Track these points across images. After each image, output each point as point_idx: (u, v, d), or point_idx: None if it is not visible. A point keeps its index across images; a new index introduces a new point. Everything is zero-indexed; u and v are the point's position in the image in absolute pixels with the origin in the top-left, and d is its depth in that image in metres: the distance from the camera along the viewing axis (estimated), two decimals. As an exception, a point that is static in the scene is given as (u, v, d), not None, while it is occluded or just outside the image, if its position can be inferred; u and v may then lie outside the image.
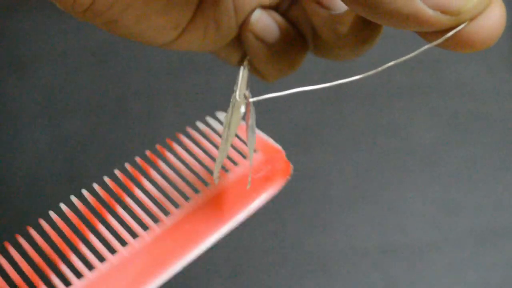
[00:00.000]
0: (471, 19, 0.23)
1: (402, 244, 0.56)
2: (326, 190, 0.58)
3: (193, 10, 0.27)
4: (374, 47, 0.28)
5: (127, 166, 0.29)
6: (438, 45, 0.24)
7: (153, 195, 0.28)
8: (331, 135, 0.59)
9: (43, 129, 0.60)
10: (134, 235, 0.27)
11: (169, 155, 0.29)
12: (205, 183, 0.28)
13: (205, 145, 0.29)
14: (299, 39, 0.29)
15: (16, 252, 0.27)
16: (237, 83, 0.27)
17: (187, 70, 0.62)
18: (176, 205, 0.28)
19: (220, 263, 0.56)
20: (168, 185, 0.28)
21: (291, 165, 0.29)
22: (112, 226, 0.27)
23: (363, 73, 0.24)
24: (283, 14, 0.29)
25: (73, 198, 0.28)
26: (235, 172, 0.29)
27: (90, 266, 0.27)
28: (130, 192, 0.28)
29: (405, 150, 0.59)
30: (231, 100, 0.27)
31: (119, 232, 0.27)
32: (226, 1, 0.28)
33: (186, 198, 0.28)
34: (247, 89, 0.27)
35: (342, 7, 0.27)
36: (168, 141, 0.29)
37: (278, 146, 0.29)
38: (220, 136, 0.29)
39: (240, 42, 0.30)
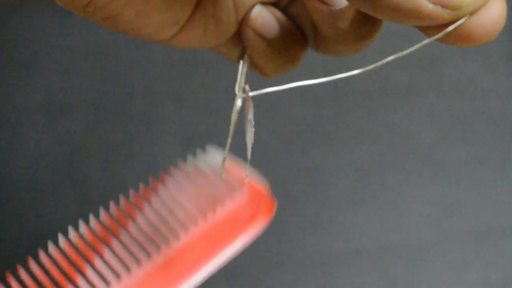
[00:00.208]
0: (472, 13, 0.23)
1: (402, 244, 0.56)
2: (326, 190, 0.58)
3: (193, 6, 0.27)
4: (374, 43, 0.28)
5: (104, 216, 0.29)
6: (438, 40, 0.24)
7: (142, 234, 0.29)
8: (331, 135, 0.59)
9: (43, 129, 0.60)
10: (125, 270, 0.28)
11: (155, 198, 0.30)
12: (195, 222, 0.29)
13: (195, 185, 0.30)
14: (299, 35, 0.29)
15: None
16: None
17: (187, 70, 0.62)
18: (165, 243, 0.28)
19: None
20: (159, 224, 0.29)
21: (275, 205, 0.30)
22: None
23: (361, 62, 0.24)
24: (283, 10, 0.29)
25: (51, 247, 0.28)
26: (221, 213, 0.29)
27: None
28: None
29: (405, 150, 0.59)
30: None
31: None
32: None
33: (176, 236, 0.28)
34: (246, 84, 0.27)
35: (342, 3, 0.27)
36: (154, 182, 0.30)
37: (264, 188, 0.30)
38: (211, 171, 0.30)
39: (240, 38, 0.30)
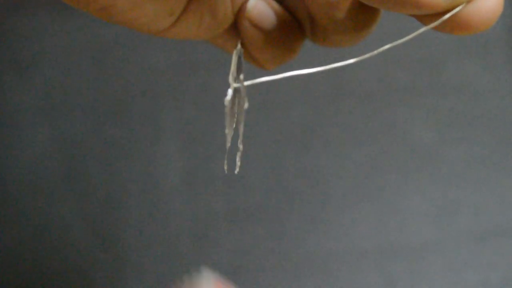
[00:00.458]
0: (468, 1, 0.23)
1: (402, 244, 0.56)
2: (326, 190, 0.57)
3: None
4: (372, 33, 0.28)
5: None
6: (435, 28, 0.24)
7: None
8: (330, 135, 0.59)
9: (43, 129, 0.60)
10: None
11: None
12: None
13: None
14: (296, 26, 0.29)
15: None
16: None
17: (187, 70, 0.62)
18: None
19: (220, 263, 0.56)
20: None
21: None
22: None
23: (361, 62, 0.24)
24: (280, 1, 0.29)
25: None
26: None
27: None
28: None
29: (405, 150, 0.58)
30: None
31: None
32: None
33: None
34: (241, 73, 0.26)
35: (339, -7, 0.26)
36: None
37: None
38: None
39: (237, 30, 0.29)
